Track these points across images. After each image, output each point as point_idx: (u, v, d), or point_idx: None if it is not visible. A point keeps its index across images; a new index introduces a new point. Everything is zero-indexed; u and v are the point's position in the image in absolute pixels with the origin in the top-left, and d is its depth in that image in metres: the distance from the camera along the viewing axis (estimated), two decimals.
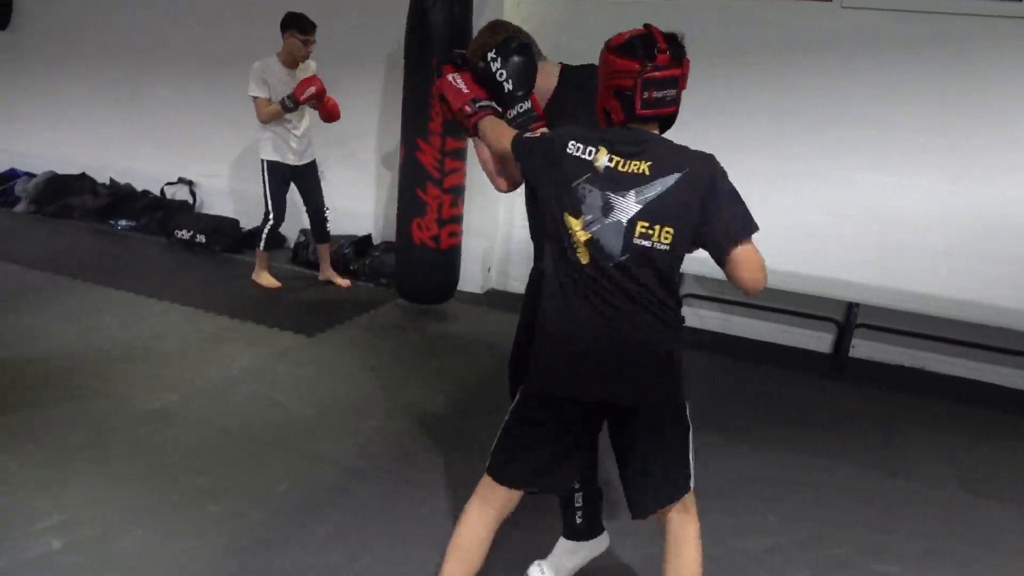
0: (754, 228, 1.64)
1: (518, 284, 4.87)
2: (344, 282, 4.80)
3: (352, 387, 3.37)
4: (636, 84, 1.60)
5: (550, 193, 1.68)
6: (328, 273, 4.84)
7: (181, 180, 6.02)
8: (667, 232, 1.60)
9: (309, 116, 4.45)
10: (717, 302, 4.48)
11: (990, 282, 3.96)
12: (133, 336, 3.73)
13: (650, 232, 1.60)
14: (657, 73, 1.59)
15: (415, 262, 4.30)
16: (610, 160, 1.62)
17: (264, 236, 4.51)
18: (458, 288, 4.52)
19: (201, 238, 5.34)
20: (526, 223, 2.11)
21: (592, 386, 1.67)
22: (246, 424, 2.96)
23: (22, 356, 3.40)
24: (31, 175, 6.39)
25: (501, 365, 3.09)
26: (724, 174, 1.64)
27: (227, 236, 5.40)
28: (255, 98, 4.18)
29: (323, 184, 4.70)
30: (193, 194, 5.99)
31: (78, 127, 6.46)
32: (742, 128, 4.18)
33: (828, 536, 2.52)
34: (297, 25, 4.12)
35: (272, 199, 4.45)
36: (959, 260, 4.00)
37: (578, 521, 2.14)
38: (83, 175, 6.24)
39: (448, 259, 4.33)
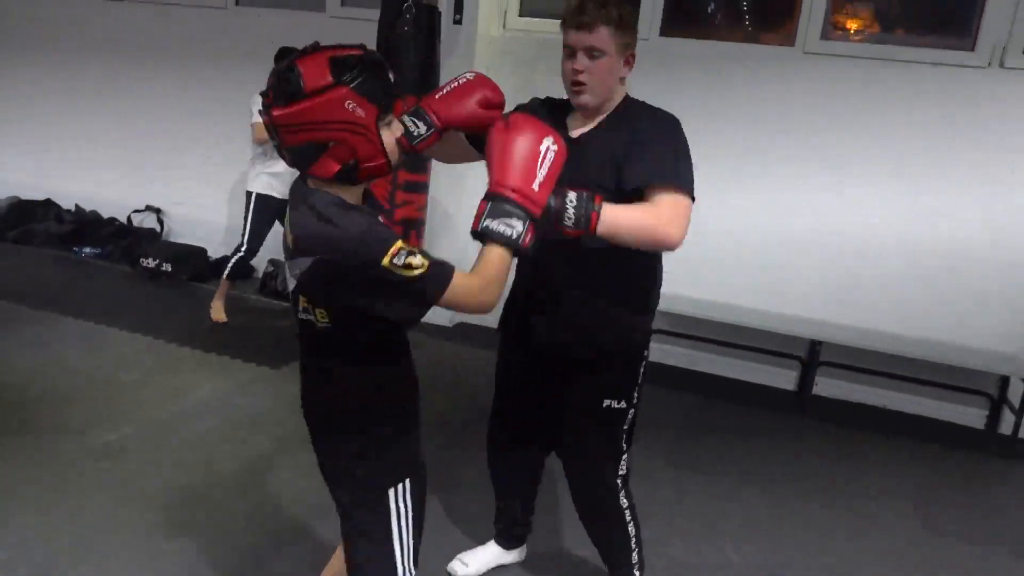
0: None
1: (488, 319, 4.77)
2: None
3: None
4: None
5: None
6: None
7: (148, 208, 5.95)
8: (322, 313, 1.41)
9: None
10: (683, 338, 4.51)
11: (953, 321, 4.05)
12: (93, 366, 3.64)
13: (310, 307, 1.42)
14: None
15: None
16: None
17: (231, 265, 4.45)
18: (423, 320, 4.46)
19: (167, 266, 5.26)
20: None
21: None
22: (204, 459, 2.89)
23: None
24: None
25: (463, 403, 3.01)
26: (358, 253, 1.28)
27: (194, 264, 5.33)
28: (254, 124, 4.18)
29: None
30: (160, 222, 5.92)
31: (44, 153, 6.37)
32: (711, 163, 4.26)
33: (789, 574, 2.52)
34: None
35: (251, 231, 4.40)
36: (922, 299, 4.09)
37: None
38: (48, 201, 6.14)
39: None
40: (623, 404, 1.93)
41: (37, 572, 2.16)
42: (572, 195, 1.54)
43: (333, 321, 1.40)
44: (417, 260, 1.29)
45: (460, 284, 1.35)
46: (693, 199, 1.70)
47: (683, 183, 1.68)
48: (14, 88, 6.42)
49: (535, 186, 1.39)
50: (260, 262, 5.27)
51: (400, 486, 1.49)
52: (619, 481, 2.00)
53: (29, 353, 3.73)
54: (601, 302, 1.86)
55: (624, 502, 2.03)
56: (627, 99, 1.85)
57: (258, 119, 4.14)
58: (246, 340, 4.25)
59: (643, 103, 1.85)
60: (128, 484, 2.66)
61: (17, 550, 2.24)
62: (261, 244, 4.47)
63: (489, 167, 1.43)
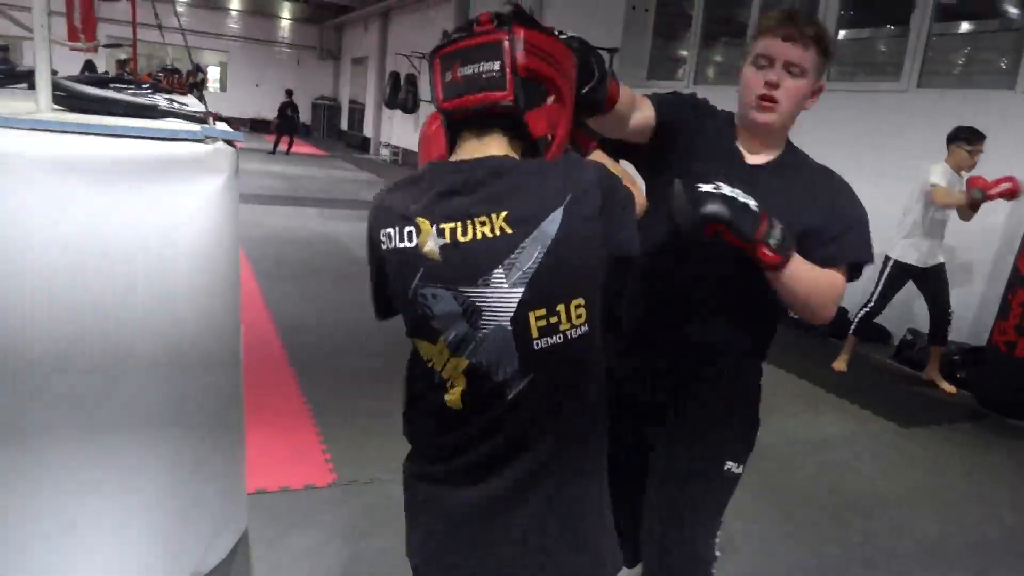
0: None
1: None
2: (949, 388, 4.67)
3: (936, 487, 3.38)
4: (434, 68, 1.01)
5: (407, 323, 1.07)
6: (933, 374, 4.77)
7: None
8: (578, 307, 0.99)
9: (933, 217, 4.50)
10: None
11: None
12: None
13: (554, 319, 0.98)
14: (460, 43, 0.99)
15: (991, 365, 4.25)
16: (440, 234, 0.97)
17: (857, 320, 4.77)
18: None
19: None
20: None
21: None
22: (829, 486, 3.26)
23: None
24: None
25: None
26: (614, 179, 1.04)
27: (834, 323, 5.32)
28: (935, 185, 4.32)
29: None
30: None
31: None
32: None
33: None
34: (966, 137, 4.37)
35: (880, 293, 4.63)
36: None
37: None
38: None
39: (1020, 370, 4.07)
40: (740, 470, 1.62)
41: None
42: (779, 225, 1.35)
43: (589, 312, 1.01)
44: None
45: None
46: None
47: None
48: None
49: None
50: (899, 329, 5.41)
51: None
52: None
53: None
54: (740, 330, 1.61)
55: None
56: (788, 140, 1.61)
57: (940, 183, 4.29)
58: (875, 394, 4.47)
59: (802, 151, 1.62)
60: (766, 486, 3.17)
61: None
62: (886, 305, 4.70)
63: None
